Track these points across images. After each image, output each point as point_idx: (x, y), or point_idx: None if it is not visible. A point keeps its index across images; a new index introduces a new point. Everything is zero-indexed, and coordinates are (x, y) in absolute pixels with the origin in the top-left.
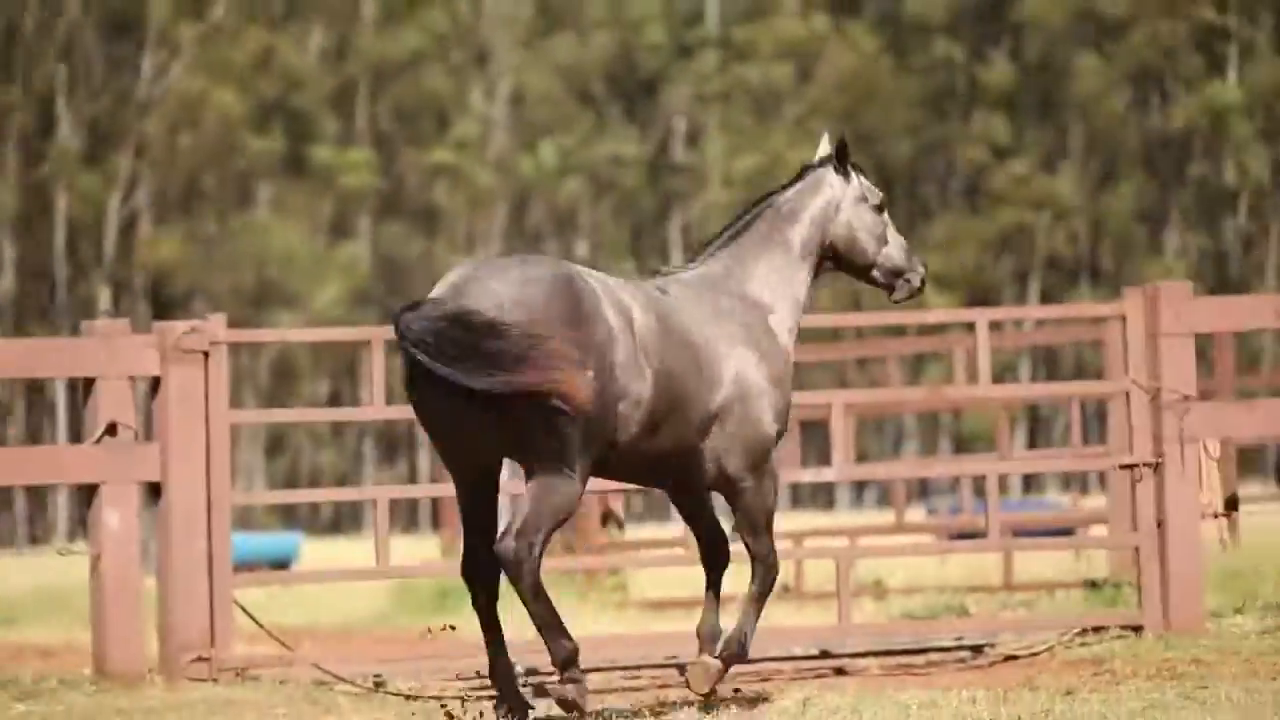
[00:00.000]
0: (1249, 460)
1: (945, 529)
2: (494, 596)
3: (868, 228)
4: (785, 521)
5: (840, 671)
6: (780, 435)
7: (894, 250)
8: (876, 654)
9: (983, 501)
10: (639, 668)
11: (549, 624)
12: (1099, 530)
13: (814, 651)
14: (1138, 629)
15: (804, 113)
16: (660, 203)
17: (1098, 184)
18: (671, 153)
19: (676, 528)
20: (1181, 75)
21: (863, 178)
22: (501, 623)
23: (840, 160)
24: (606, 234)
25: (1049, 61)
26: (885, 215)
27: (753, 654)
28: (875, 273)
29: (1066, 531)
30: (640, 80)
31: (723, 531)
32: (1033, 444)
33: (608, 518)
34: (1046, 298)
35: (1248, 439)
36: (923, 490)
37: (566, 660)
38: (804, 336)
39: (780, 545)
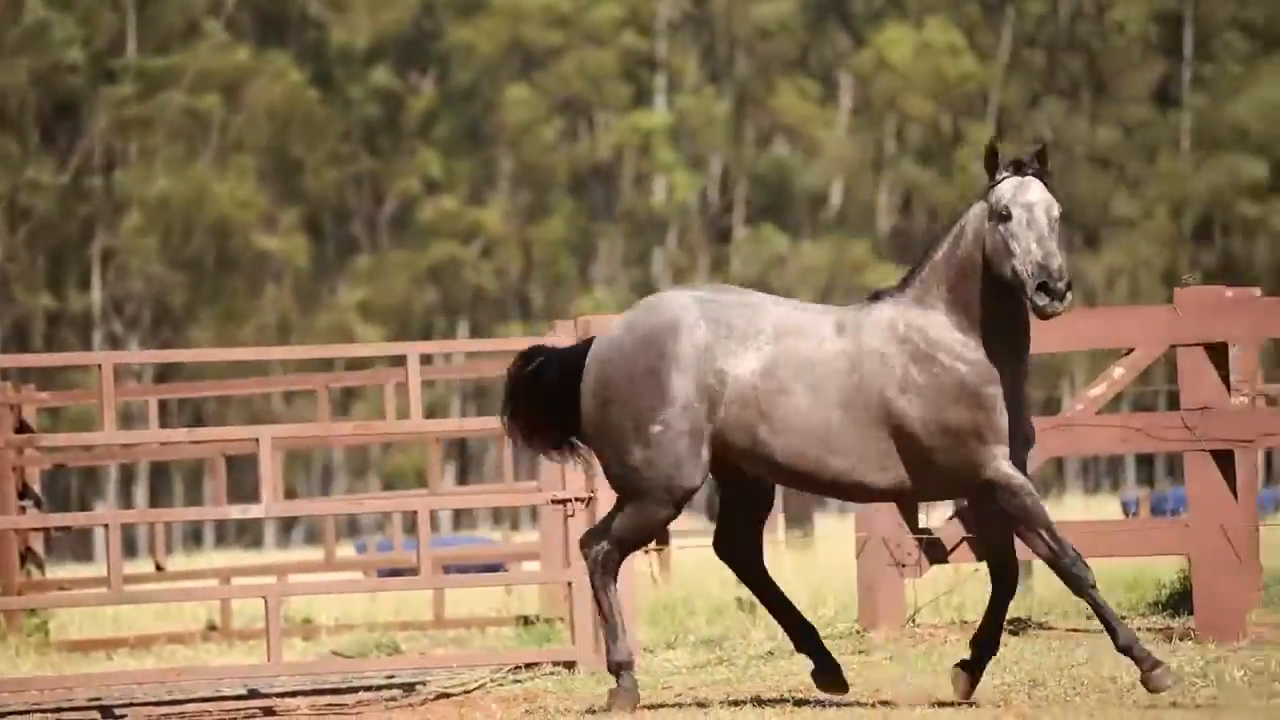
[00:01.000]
0: None
1: (376, 565)
2: (750, 578)
3: (995, 241)
4: (211, 559)
5: (269, 712)
6: (991, 448)
7: (1019, 262)
8: (306, 693)
9: (413, 538)
10: (61, 710)
11: (608, 623)
12: (531, 566)
13: (242, 691)
14: (570, 665)
15: (230, 142)
16: (80, 229)
17: (527, 216)
18: (91, 179)
19: (99, 567)
20: (610, 104)
21: (1006, 185)
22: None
23: (989, 172)
24: (22, 262)
25: (477, 92)
26: (1014, 223)
27: (176, 695)
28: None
29: (498, 567)
30: (59, 105)
31: (1008, 552)
32: (464, 479)
33: (27, 556)
34: (477, 331)
35: None
36: (352, 527)
37: (620, 664)
38: (232, 370)
39: (207, 584)
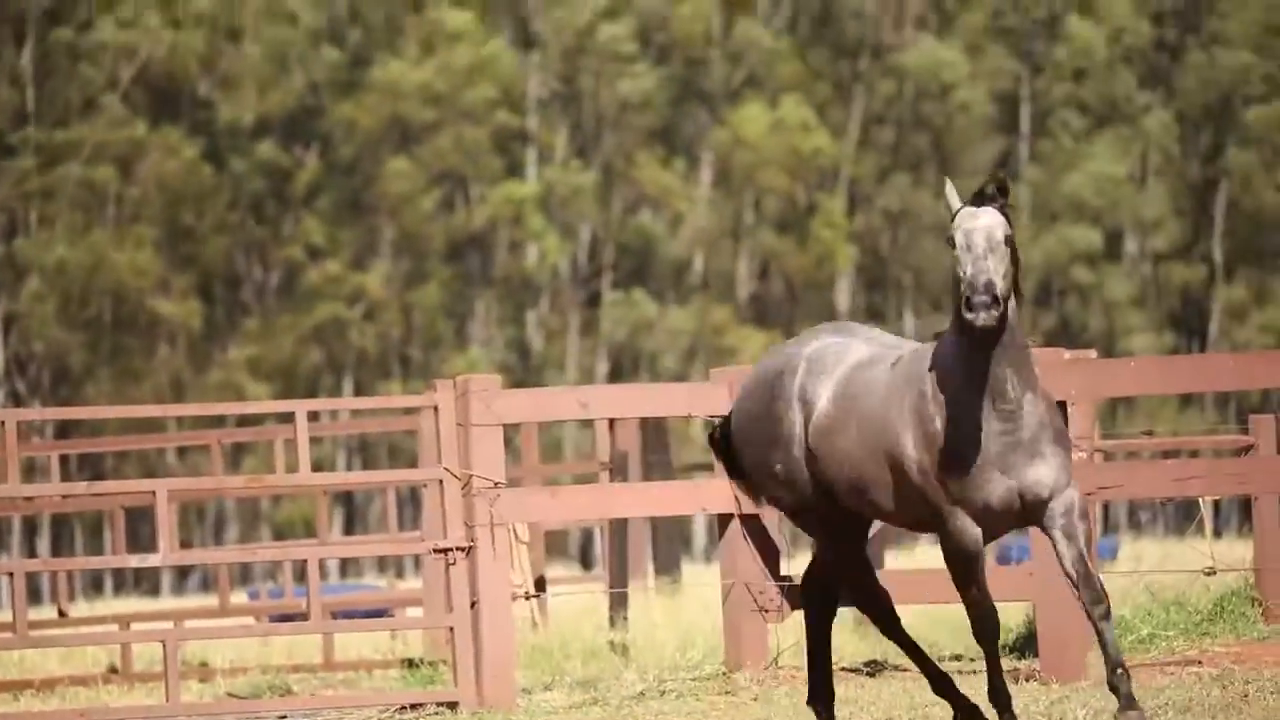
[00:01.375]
0: (555, 543)
1: (268, 611)
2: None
3: (953, 270)
4: (111, 605)
5: None
6: (948, 495)
7: (963, 284)
8: None
9: (303, 585)
10: None
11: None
12: (415, 611)
13: None
14: (453, 705)
15: (126, 212)
16: None
17: (407, 281)
18: None
19: (5, 613)
20: (484, 176)
21: (959, 215)
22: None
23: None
24: None
25: (359, 165)
26: (958, 250)
27: None
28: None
29: (384, 613)
30: None
31: (1086, 582)
32: (350, 529)
33: None
34: (360, 389)
35: (553, 523)
36: (245, 575)
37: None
38: (127, 426)
39: (107, 629)
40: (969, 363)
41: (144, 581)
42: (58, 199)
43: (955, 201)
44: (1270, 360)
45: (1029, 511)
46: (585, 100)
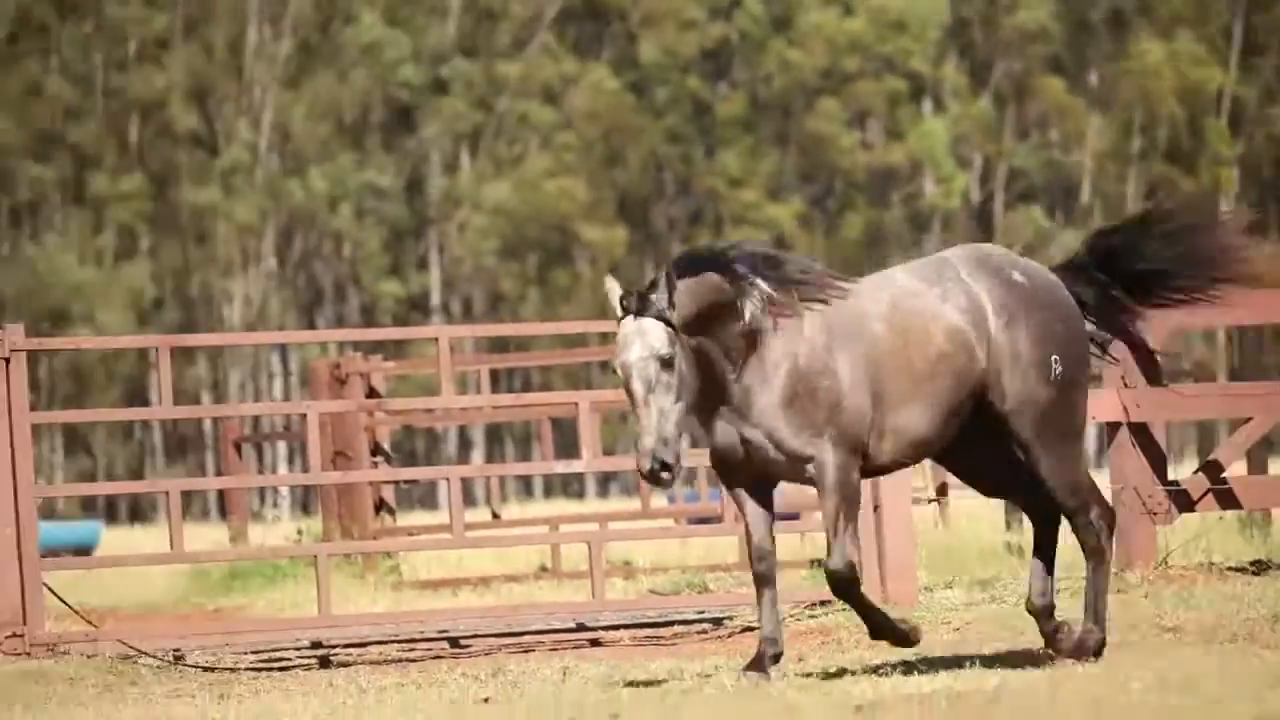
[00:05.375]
0: None
1: (686, 514)
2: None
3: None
4: (542, 508)
5: (595, 643)
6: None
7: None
8: (627, 627)
9: (718, 489)
10: (414, 640)
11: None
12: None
13: (571, 625)
14: None
15: (556, 143)
16: (417, 225)
17: None
18: (428, 180)
19: (443, 515)
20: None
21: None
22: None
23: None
24: (369, 251)
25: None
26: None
27: (514, 628)
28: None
29: (794, 516)
30: (396, 114)
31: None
32: None
33: (381, 506)
34: None
35: None
36: None
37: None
38: (555, 342)
39: (538, 530)
40: None
41: (571, 486)
42: (487, 132)
43: (614, 303)
44: None
45: (757, 464)
46: (978, 31)
